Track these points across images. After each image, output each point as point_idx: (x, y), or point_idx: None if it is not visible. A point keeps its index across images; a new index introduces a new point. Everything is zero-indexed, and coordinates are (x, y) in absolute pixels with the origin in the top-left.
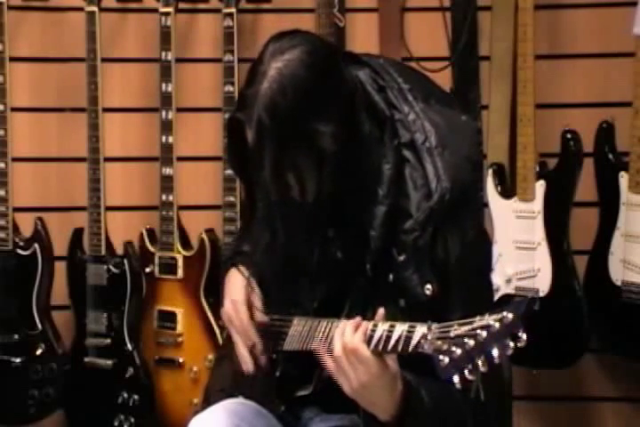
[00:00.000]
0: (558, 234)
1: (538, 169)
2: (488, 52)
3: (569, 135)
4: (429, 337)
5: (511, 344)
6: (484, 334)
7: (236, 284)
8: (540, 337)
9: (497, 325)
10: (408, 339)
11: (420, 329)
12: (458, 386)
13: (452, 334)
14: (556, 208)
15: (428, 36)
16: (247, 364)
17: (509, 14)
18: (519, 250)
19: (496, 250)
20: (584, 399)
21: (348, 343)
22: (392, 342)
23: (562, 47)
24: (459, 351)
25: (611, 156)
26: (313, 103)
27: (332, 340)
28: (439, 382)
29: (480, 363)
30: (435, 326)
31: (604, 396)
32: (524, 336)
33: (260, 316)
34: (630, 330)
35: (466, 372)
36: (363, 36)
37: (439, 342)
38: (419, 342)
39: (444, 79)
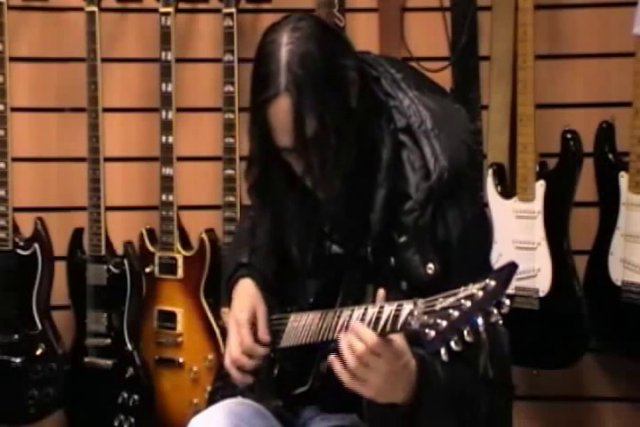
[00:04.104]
0: (558, 234)
1: (538, 169)
2: (488, 52)
3: (569, 135)
4: (416, 313)
5: (495, 311)
6: (468, 303)
7: (240, 302)
8: (540, 337)
9: (480, 293)
10: (396, 318)
11: (407, 306)
12: (445, 358)
13: (437, 308)
14: (556, 208)
15: (428, 36)
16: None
17: (509, 14)
18: (519, 250)
19: (496, 250)
20: (584, 399)
21: (361, 347)
22: (381, 322)
23: (562, 47)
24: (444, 324)
25: (611, 156)
26: (332, 42)
27: (333, 331)
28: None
29: (466, 333)
30: (420, 301)
31: (604, 396)
32: (507, 302)
33: (264, 335)
34: (630, 330)
35: (452, 343)
36: (363, 36)
37: (425, 317)
38: (406, 319)
39: (444, 79)
